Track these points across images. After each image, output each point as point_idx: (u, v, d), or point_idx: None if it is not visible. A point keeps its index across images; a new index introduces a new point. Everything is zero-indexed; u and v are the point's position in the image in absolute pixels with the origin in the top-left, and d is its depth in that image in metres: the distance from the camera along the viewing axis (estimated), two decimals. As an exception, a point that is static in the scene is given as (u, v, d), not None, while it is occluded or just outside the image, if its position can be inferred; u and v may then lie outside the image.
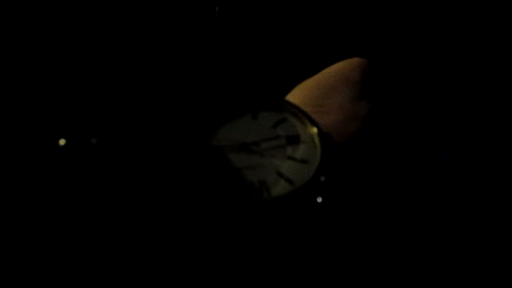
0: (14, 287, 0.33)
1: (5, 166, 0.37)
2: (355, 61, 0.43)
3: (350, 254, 0.37)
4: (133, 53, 0.50)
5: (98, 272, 0.34)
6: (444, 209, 0.43)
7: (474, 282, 0.43)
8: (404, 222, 0.41)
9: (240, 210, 0.34)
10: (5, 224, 0.34)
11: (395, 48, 0.58)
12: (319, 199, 0.35)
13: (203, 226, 0.35)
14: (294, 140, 0.39)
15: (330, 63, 0.43)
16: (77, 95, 0.45)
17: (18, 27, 0.49)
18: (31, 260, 0.34)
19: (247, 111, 0.40)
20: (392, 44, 0.58)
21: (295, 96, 0.41)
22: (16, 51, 0.47)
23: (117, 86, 0.47)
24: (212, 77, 0.50)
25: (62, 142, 0.37)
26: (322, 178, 0.36)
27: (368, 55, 0.44)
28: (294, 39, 0.56)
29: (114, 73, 0.48)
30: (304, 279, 0.35)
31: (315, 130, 0.38)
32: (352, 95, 0.41)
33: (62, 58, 0.47)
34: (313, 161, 0.37)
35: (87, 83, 0.46)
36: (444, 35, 0.59)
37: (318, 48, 0.56)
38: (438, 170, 0.44)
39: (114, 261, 0.34)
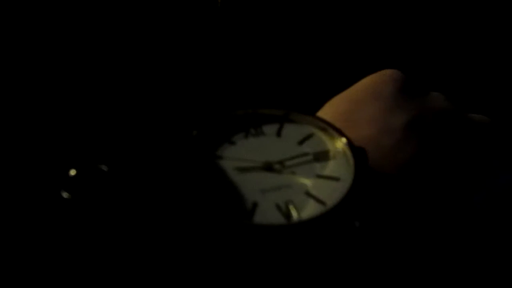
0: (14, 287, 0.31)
1: (11, 200, 0.35)
2: (386, 72, 0.40)
3: (385, 280, 0.34)
4: (142, 71, 0.47)
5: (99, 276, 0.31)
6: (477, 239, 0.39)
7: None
8: (439, 250, 0.37)
9: (266, 235, 0.31)
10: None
11: (431, 59, 0.54)
12: (357, 223, 0.31)
13: (225, 254, 0.31)
14: (323, 156, 0.35)
15: (361, 78, 0.41)
16: (85, 122, 0.43)
17: (22, 41, 0.47)
18: (31, 262, 0.32)
19: (270, 129, 0.36)
20: (428, 55, 0.55)
21: (324, 113, 0.39)
22: (21, 73, 0.46)
23: (125, 109, 0.45)
24: (231, 94, 0.47)
25: (72, 172, 0.35)
26: (356, 198, 0.32)
27: (401, 67, 0.41)
28: (322, 55, 0.53)
29: (121, 94, 0.45)
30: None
31: (345, 144, 0.35)
32: (385, 108, 0.38)
33: (69, 80, 0.45)
34: (346, 178, 0.33)
35: (94, 108, 0.44)
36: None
37: (347, 63, 0.53)
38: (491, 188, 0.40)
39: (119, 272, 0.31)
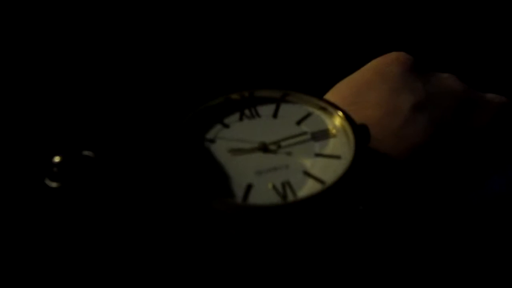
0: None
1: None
2: (392, 55, 0.38)
3: (385, 264, 0.31)
4: (130, 58, 0.46)
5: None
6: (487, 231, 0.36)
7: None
8: (443, 238, 0.34)
9: (262, 216, 0.29)
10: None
11: (440, 42, 0.52)
12: (361, 207, 0.29)
13: (220, 234, 0.29)
14: (322, 135, 0.33)
15: (367, 61, 0.39)
16: (71, 107, 0.41)
17: (16, 31, 0.46)
18: (19, 252, 0.30)
19: (266, 110, 0.34)
20: (436, 37, 0.53)
21: (332, 94, 0.37)
22: (10, 57, 0.44)
23: (112, 93, 0.43)
24: (226, 75, 0.45)
25: (57, 159, 0.33)
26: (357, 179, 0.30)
27: (409, 50, 0.39)
28: (328, 39, 0.51)
29: (109, 79, 0.44)
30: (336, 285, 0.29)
31: (346, 121, 0.32)
32: (391, 89, 0.36)
33: (56, 65, 0.44)
34: (347, 156, 0.31)
35: (81, 92, 0.42)
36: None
37: (354, 47, 0.51)
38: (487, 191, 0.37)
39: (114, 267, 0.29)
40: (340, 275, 0.30)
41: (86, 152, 0.33)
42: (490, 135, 0.37)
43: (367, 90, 0.36)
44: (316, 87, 0.37)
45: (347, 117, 0.33)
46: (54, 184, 0.32)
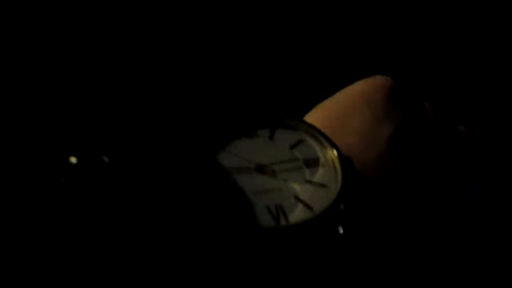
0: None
1: (11, 183, 0.36)
2: (377, 80, 0.41)
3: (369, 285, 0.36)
4: (146, 67, 0.48)
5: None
6: (471, 234, 0.42)
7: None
8: (427, 253, 0.39)
9: (255, 237, 0.33)
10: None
11: (422, 65, 0.56)
12: (341, 230, 0.34)
13: (213, 254, 0.33)
14: (312, 163, 0.37)
15: (352, 81, 0.41)
16: (88, 111, 0.44)
17: (22, 37, 0.48)
18: (31, 251, 0.33)
19: (263, 131, 0.38)
20: (418, 60, 0.56)
21: (314, 116, 0.40)
22: (24, 65, 0.46)
23: (129, 101, 0.46)
24: (228, 94, 0.49)
25: (73, 160, 0.36)
26: (342, 206, 0.34)
27: (392, 73, 0.42)
28: (314, 56, 0.55)
29: (126, 87, 0.47)
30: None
31: (335, 153, 0.37)
32: (373, 117, 0.39)
33: (74, 70, 0.46)
34: (333, 186, 0.36)
35: (98, 97, 0.45)
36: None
37: (338, 65, 0.54)
38: (468, 195, 0.42)
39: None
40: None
41: (103, 157, 0.36)
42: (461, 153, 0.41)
43: (351, 115, 0.39)
44: (299, 103, 0.41)
45: (336, 150, 0.37)
46: (67, 183, 0.35)
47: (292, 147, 0.38)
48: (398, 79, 0.41)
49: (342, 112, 0.39)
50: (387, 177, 0.38)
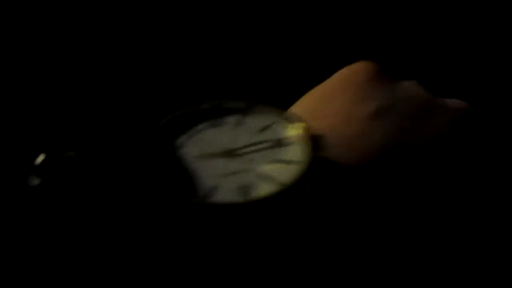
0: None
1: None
2: (360, 64, 0.40)
3: (342, 257, 0.35)
4: (113, 59, 0.48)
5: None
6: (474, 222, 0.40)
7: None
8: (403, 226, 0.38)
9: (217, 216, 0.32)
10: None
11: (407, 49, 0.55)
12: (307, 189, 0.33)
13: (184, 235, 0.32)
14: (281, 143, 0.37)
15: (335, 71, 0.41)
16: (54, 108, 0.44)
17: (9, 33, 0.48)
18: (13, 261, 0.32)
19: (231, 118, 0.38)
20: (403, 45, 0.56)
21: (300, 102, 0.40)
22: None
23: (94, 96, 0.46)
24: (198, 82, 0.49)
25: (41, 157, 0.36)
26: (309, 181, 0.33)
27: (380, 59, 0.41)
28: (301, 46, 0.54)
29: (91, 82, 0.46)
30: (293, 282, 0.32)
31: (303, 131, 0.36)
32: (355, 97, 0.38)
33: (41, 65, 0.46)
34: (301, 162, 0.35)
35: (64, 94, 0.45)
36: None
37: (326, 56, 0.54)
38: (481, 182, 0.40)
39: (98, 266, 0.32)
40: (297, 273, 0.33)
41: (68, 152, 0.36)
42: (452, 141, 0.40)
43: (333, 98, 0.39)
44: (284, 97, 0.41)
45: (305, 128, 0.36)
46: (36, 182, 0.35)
47: (262, 130, 0.37)
48: (384, 64, 0.41)
49: (325, 96, 0.39)
50: (367, 156, 0.37)
